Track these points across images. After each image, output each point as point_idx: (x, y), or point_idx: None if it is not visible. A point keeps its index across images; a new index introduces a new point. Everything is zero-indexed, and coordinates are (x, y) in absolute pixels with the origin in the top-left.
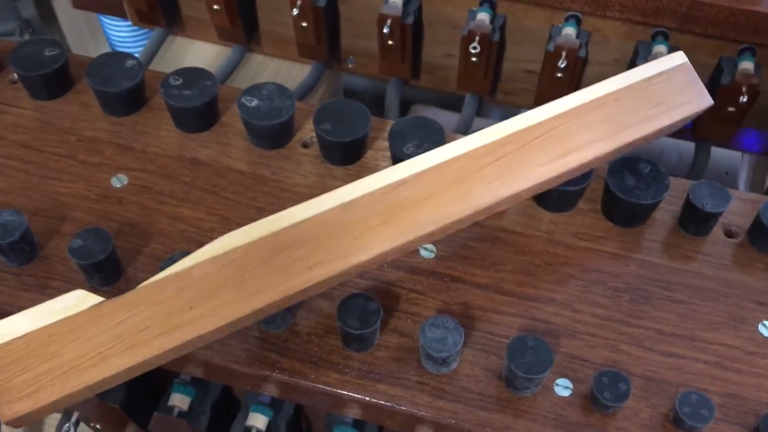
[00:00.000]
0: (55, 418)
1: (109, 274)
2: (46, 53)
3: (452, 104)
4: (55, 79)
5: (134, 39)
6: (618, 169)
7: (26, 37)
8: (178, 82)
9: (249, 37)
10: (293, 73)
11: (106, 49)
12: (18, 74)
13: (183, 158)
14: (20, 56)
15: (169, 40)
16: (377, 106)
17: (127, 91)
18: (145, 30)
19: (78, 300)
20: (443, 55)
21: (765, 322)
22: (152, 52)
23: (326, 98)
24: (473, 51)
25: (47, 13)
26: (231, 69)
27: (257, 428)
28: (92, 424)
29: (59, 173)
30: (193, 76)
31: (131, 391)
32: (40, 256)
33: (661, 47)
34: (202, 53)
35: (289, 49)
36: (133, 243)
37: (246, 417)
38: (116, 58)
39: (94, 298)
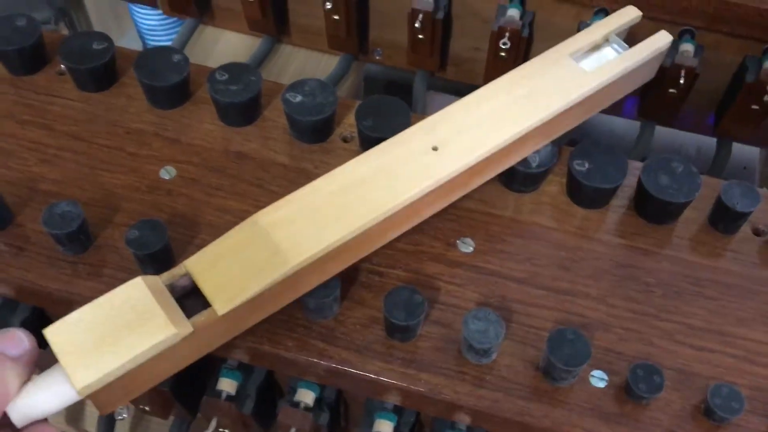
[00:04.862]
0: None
1: (162, 263)
2: (95, 46)
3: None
4: (103, 72)
5: (163, 28)
6: (652, 168)
7: (61, 25)
8: (224, 77)
9: (279, 28)
10: (321, 63)
11: (131, 38)
12: (67, 67)
13: (228, 151)
14: (69, 49)
15: (199, 30)
16: (390, 89)
17: (174, 85)
18: (174, 19)
19: (138, 289)
20: (471, 49)
21: None
22: (184, 42)
23: (354, 88)
24: (503, 46)
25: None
26: (261, 59)
27: (305, 403)
28: (141, 406)
29: (109, 165)
30: (238, 71)
31: (180, 375)
32: (95, 246)
33: (687, 45)
34: (231, 43)
35: (317, 40)
36: (183, 233)
37: (295, 393)
38: (163, 52)
39: (153, 285)
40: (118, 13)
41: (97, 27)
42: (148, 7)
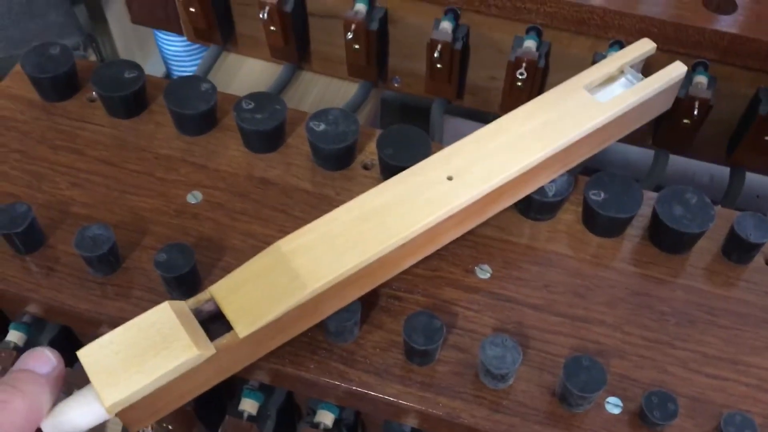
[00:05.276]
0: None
1: (189, 286)
2: (126, 75)
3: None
4: (133, 99)
5: (187, 54)
6: (667, 199)
7: (90, 51)
8: (250, 106)
9: (300, 55)
10: (341, 90)
11: (154, 63)
12: (99, 94)
13: (253, 177)
14: (101, 77)
15: (222, 57)
16: (406, 113)
17: (202, 113)
18: (197, 46)
19: (164, 313)
20: (488, 78)
21: None
22: (207, 68)
23: (372, 115)
24: (520, 76)
25: (100, 25)
26: (282, 86)
27: (325, 424)
28: (164, 425)
29: (138, 189)
30: (263, 100)
31: (202, 396)
32: (123, 268)
33: (701, 78)
34: (253, 70)
35: (337, 67)
36: (209, 257)
37: (314, 414)
38: (191, 81)
39: (179, 309)
40: (142, 39)
41: (121, 53)
42: (173, 34)
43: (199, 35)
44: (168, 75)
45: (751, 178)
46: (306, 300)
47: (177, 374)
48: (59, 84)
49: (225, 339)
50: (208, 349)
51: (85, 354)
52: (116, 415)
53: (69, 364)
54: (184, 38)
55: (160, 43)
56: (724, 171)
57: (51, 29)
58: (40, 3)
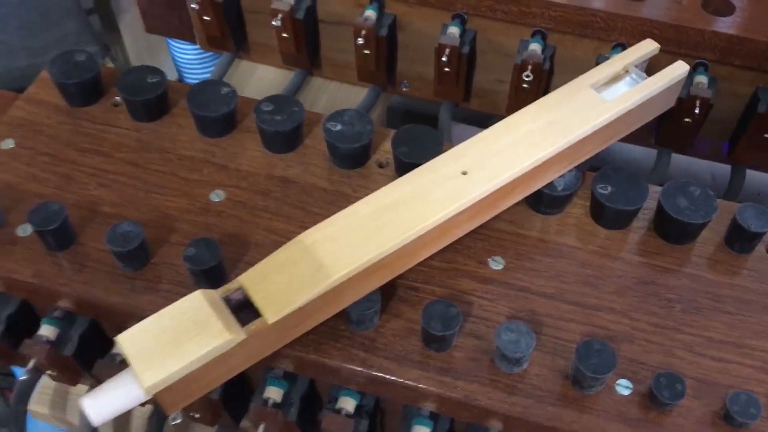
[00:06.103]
0: (143, 413)
1: (216, 279)
2: (149, 80)
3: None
4: (156, 103)
5: (199, 62)
6: (671, 192)
7: (106, 59)
8: (270, 108)
9: (311, 62)
10: (351, 95)
11: (165, 70)
12: (124, 99)
13: (273, 176)
14: (126, 82)
15: (234, 64)
16: (411, 120)
17: (223, 116)
18: (210, 53)
19: (197, 301)
20: (494, 81)
21: None
22: (221, 75)
23: (382, 118)
24: (526, 79)
25: (113, 34)
26: (294, 91)
27: (347, 410)
28: (191, 414)
29: (163, 188)
30: (282, 102)
31: (228, 385)
32: (152, 263)
33: (701, 78)
34: (265, 76)
35: (347, 73)
36: (233, 252)
37: (336, 401)
38: (213, 85)
39: (210, 297)
40: (153, 48)
41: (133, 61)
42: (186, 42)
43: (212, 43)
44: (180, 82)
45: (752, 176)
46: (329, 288)
47: (210, 358)
48: (85, 89)
49: (255, 325)
50: (239, 334)
51: (124, 339)
52: (154, 396)
53: (99, 356)
54: (197, 46)
55: (172, 51)
56: (726, 169)
57: (68, 38)
58: (56, 14)
